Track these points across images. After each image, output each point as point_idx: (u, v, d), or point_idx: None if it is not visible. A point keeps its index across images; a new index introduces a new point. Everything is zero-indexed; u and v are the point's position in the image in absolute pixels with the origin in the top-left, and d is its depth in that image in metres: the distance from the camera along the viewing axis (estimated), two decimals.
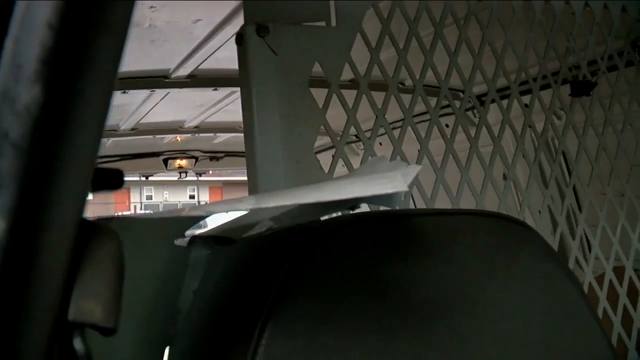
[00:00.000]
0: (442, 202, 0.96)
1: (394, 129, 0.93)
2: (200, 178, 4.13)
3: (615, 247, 1.12)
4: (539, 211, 1.07)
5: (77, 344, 0.35)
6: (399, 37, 0.94)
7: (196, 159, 3.40)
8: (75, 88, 0.34)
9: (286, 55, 0.82)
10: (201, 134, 3.05)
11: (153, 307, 0.65)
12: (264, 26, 0.80)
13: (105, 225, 0.40)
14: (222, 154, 3.39)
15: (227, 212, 0.46)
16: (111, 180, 0.43)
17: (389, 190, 0.44)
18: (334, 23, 0.87)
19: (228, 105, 2.52)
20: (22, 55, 0.31)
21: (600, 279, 1.11)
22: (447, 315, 0.65)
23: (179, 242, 0.66)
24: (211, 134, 3.10)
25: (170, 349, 0.70)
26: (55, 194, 0.32)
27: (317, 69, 0.86)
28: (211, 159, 3.43)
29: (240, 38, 0.81)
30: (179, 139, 3.22)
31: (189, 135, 3.07)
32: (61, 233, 0.34)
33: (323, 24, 0.87)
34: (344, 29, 0.86)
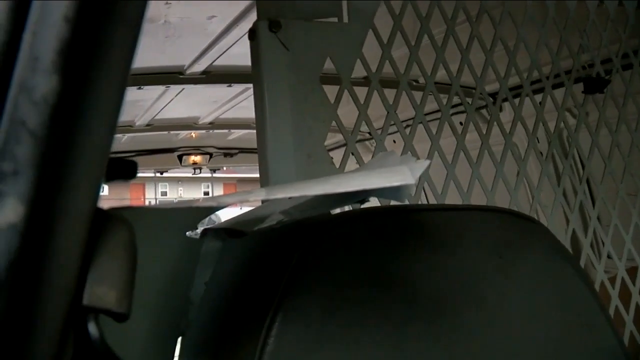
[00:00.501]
0: (454, 200, 0.97)
1: (406, 127, 0.93)
2: (214, 175, 4.16)
3: (628, 245, 1.12)
4: (552, 211, 1.07)
5: (92, 328, 0.36)
6: (411, 36, 0.94)
7: (210, 155, 3.42)
8: (91, 79, 0.35)
9: (298, 51, 0.83)
10: (215, 131, 3.07)
11: (166, 298, 0.66)
12: (276, 22, 0.81)
13: (118, 215, 0.41)
14: (236, 151, 3.40)
15: (238, 203, 0.47)
16: (125, 171, 0.44)
17: (396, 183, 0.45)
18: (345, 19, 0.88)
19: (242, 102, 2.54)
20: (40, 48, 0.32)
21: (612, 278, 1.11)
22: (455, 309, 0.66)
23: (191, 234, 0.67)
24: (225, 131, 3.11)
25: (182, 340, 0.71)
26: (71, 182, 0.34)
27: (329, 65, 0.87)
28: (225, 155, 3.45)
29: (252, 34, 0.82)
30: (194, 135, 3.25)
31: (203, 131, 3.09)
32: (76, 220, 0.35)
33: (335, 20, 0.87)
34: (355, 25, 0.87)
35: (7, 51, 0.32)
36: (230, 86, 2.28)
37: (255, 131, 2.79)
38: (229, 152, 3.44)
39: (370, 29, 0.88)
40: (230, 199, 0.46)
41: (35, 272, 0.31)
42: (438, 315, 0.66)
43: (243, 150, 3.35)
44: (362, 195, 0.53)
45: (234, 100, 2.53)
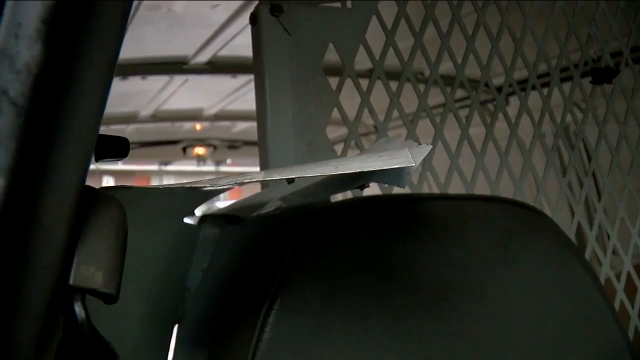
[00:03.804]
0: (457, 191, 0.95)
1: (411, 121, 0.91)
2: (219, 168, 4.15)
3: (635, 239, 1.10)
4: (557, 202, 1.05)
5: (77, 308, 0.35)
6: (416, 27, 0.92)
7: (214, 147, 3.41)
8: (78, 49, 0.33)
9: (300, 36, 0.81)
10: (220, 122, 3.06)
11: (162, 284, 0.66)
12: (278, 6, 0.80)
13: (108, 194, 0.40)
14: (241, 143, 3.39)
15: (236, 185, 0.46)
16: (116, 149, 0.43)
17: (394, 166, 0.43)
18: (349, 4, 0.86)
19: (247, 94, 2.52)
20: (23, 14, 0.31)
21: (618, 273, 1.09)
22: (456, 299, 0.65)
23: (188, 220, 0.66)
24: (230, 123, 3.10)
25: (179, 326, 0.70)
26: (56, 155, 0.32)
27: (332, 57, 0.85)
28: (230, 147, 3.44)
29: (254, 18, 0.81)
30: (198, 127, 3.24)
31: (207, 124, 3.08)
32: (62, 196, 0.34)
33: (338, 5, 0.86)
34: (359, 10, 0.85)
35: None
36: (234, 77, 2.26)
37: None
38: (233, 145, 3.42)
39: (374, 15, 0.86)
40: (228, 180, 0.45)
41: (17, 248, 0.30)
42: (439, 305, 0.64)
43: (248, 143, 3.34)
44: (362, 180, 0.52)
45: (239, 92, 2.52)
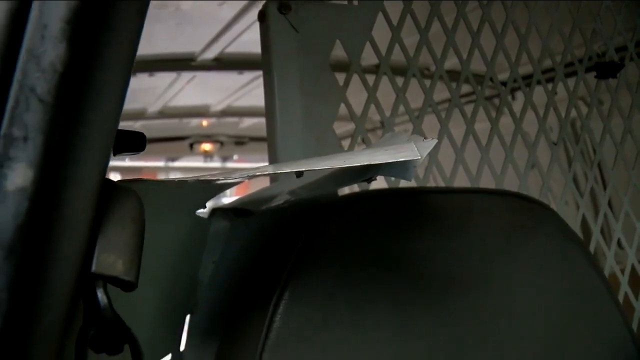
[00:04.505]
0: (462, 185, 0.96)
1: (417, 117, 0.93)
2: (225, 165, 4.17)
3: (639, 232, 1.11)
4: (562, 196, 1.06)
5: (100, 294, 0.36)
6: (422, 24, 0.93)
7: (221, 143, 3.43)
8: (99, 48, 0.35)
9: (307, 33, 0.83)
10: (227, 119, 3.08)
11: (174, 275, 0.67)
12: (285, 3, 0.81)
13: (126, 186, 0.41)
14: (247, 139, 3.41)
15: (248, 178, 0.47)
16: (133, 143, 0.44)
17: (400, 159, 0.45)
18: (355, 1, 0.87)
19: (253, 90, 2.54)
20: (48, 15, 0.33)
21: (622, 268, 1.10)
22: (461, 291, 0.66)
23: (200, 212, 0.68)
24: (236, 119, 3.12)
25: (190, 318, 0.72)
26: (79, 149, 0.34)
27: (337, 53, 0.87)
28: (237, 143, 3.45)
29: (262, 15, 0.82)
30: (205, 124, 3.25)
31: (214, 120, 3.10)
32: (84, 187, 0.35)
33: (345, 1, 0.87)
34: (365, 7, 0.86)
35: (16, 18, 0.32)
36: (241, 74, 2.28)
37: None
38: (240, 141, 3.44)
39: (380, 12, 0.87)
40: (239, 174, 0.46)
41: (43, 236, 0.32)
42: (444, 297, 0.66)
43: (254, 139, 3.35)
44: (369, 173, 0.53)
45: (245, 89, 2.54)
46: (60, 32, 0.33)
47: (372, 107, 0.88)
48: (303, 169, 0.48)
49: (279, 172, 0.51)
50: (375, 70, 0.89)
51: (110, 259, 0.37)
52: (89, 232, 0.36)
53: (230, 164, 4.17)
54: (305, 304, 0.60)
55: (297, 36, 0.82)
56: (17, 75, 0.32)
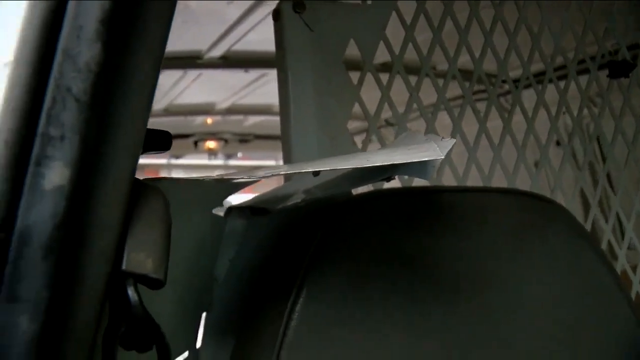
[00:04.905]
0: (474, 184, 0.97)
1: (432, 112, 0.93)
2: (228, 162, 4.17)
3: None
4: (573, 194, 1.06)
5: (131, 293, 0.37)
6: (434, 22, 0.93)
7: (226, 141, 3.43)
8: (131, 49, 0.35)
9: (321, 32, 0.83)
10: (232, 116, 3.08)
11: (192, 273, 0.68)
12: (300, 3, 0.81)
13: (153, 184, 0.42)
14: (252, 137, 3.41)
15: (268, 177, 0.48)
16: (160, 142, 0.45)
17: (424, 158, 0.45)
18: (369, 1, 0.88)
19: (259, 88, 2.54)
20: (84, 16, 0.33)
21: (634, 267, 1.10)
22: (475, 290, 0.66)
23: (217, 210, 0.68)
24: (241, 117, 3.12)
25: (206, 316, 0.72)
26: (112, 148, 0.34)
27: (349, 51, 0.87)
28: (241, 141, 3.46)
29: (277, 14, 0.82)
30: (209, 122, 3.26)
31: (219, 117, 3.10)
32: (116, 186, 0.36)
33: (359, 1, 0.87)
34: (379, 6, 0.87)
35: (52, 19, 0.32)
36: (247, 72, 2.28)
37: (271, 117, 2.79)
38: (245, 138, 3.44)
39: (393, 11, 0.88)
40: (262, 172, 0.47)
41: (79, 235, 0.32)
42: (459, 295, 0.66)
43: (259, 137, 3.35)
44: (387, 173, 0.54)
45: (250, 87, 2.54)
46: (94, 33, 0.33)
47: (379, 105, 0.88)
48: (326, 169, 0.49)
49: (301, 171, 0.51)
50: (382, 68, 0.89)
51: (140, 257, 0.38)
52: (120, 230, 0.37)
53: (232, 162, 4.18)
54: (322, 302, 0.61)
55: (311, 35, 0.82)
56: (54, 75, 0.32)
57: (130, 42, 0.35)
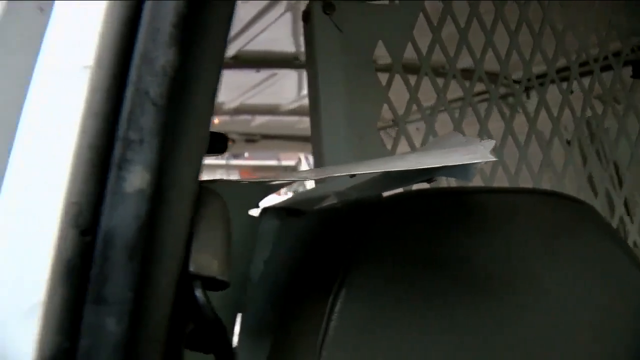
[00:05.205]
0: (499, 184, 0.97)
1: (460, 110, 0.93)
2: (230, 162, 4.17)
3: None
4: (597, 195, 1.06)
5: (199, 294, 0.37)
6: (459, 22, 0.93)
7: (233, 140, 3.43)
8: (201, 52, 0.36)
9: (351, 33, 0.83)
10: (239, 116, 3.07)
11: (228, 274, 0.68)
12: (330, 4, 0.82)
13: (211, 187, 0.42)
14: (259, 137, 3.41)
15: (322, 179, 0.48)
16: (218, 144, 0.45)
17: (477, 160, 0.46)
18: (397, 1, 0.88)
19: (268, 88, 2.54)
20: (159, 20, 0.33)
21: None
22: (507, 290, 0.67)
23: (253, 212, 0.68)
24: (249, 116, 3.12)
25: (242, 315, 0.73)
26: (184, 151, 0.35)
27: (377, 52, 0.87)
28: (247, 141, 3.45)
29: (306, 15, 0.83)
30: (216, 121, 3.25)
31: (227, 117, 3.10)
32: (186, 189, 0.36)
33: (386, 1, 0.88)
34: (407, 6, 0.87)
35: (130, 23, 0.33)
36: (258, 72, 2.28)
37: (278, 117, 2.79)
38: (252, 138, 3.44)
39: (421, 12, 0.88)
40: (312, 174, 0.47)
41: (157, 237, 0.33)
42: (492, 295, 0.66)
43: (266, 137, 3.35)
44: (429, 175, 0.54)
45: (260, 86, 2.54)
46: (169, 36, 0.33)
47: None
48: (378, 170, 0.49)
49: (356, 172, 0.51)
50: (412, 70, 0.90)
51: (206, 259, 0.38)
52: (187, 232, 0.37)
53: (234, 161, 4.17)
54: (362, 302, 0.61)
55: (340, 36, 0.82)
56: (132, 79, 0.32)
57: (202, 45, 0.35)
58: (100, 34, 0.32)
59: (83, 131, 0.31)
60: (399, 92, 0.90)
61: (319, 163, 0.81)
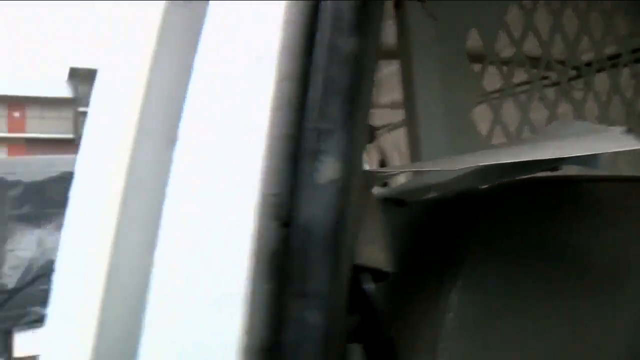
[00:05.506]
0: None
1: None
2: None
3: None
4: None
5: (368, 285, 0.36)
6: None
7: None
8: (374, 40, 0.35)
9: (443, 21, 0.82)
10: None
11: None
12: None
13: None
14: None
15: (453, 168, 0.47)
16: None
17: (626, 148, 0.44)
18: None
19: None
20: (340, 10, 0.32)
21: None
22: (620, 279, 0.65)
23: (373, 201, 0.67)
24: None
25: None
26: (362, 140, 0.34)
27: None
28: None
29: (398, 1, 0.81)
30: None
31: None
32: (359, 178, 0.35)
33: None
34: None
35: (313, 14, 0.32)
36: None
37: None
38: None
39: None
40: (440, 165, 0.46)
41: (347, 228, 0.32)
42: (604, 287, 0.64)
43: None
44: (553, 164, 0.52)
45: None
46: (349, 25, 0.33)
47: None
48: (515, 160, 0.48)
49: (487, 164, 0.50)
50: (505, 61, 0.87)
51: (373, 251, 0.37)
52: (357, 223, 0.36)
53: None
54: (477, 294, 0.60)
55: (433, 24, 0.81)
56: (320, 68, 0.31)
57: (374, 34, 0.35)
58: (282, 22, 0.31)
59: (272, 122, 0.30)
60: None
61: (416, 152, 0.80)
